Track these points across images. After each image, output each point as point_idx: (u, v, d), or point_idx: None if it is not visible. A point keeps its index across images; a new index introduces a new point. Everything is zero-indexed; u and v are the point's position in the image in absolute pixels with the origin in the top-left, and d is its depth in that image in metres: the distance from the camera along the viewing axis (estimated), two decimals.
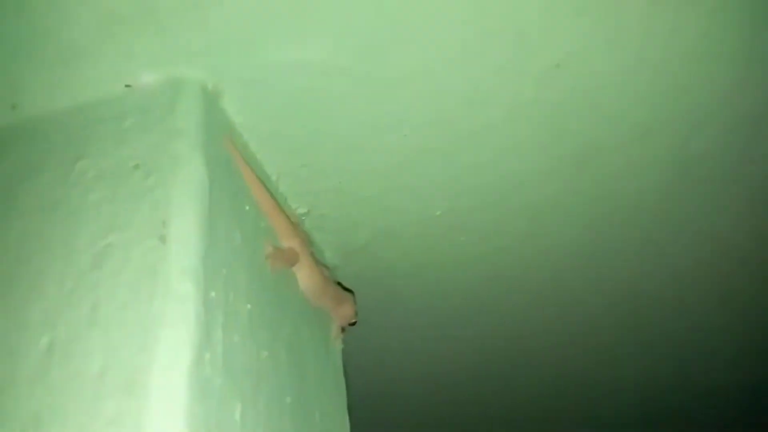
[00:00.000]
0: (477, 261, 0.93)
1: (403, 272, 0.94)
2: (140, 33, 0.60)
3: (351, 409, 0.79)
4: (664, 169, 0.83)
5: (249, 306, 0.59)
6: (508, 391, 1.30)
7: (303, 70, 0.64)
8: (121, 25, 0.59)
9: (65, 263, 0.52)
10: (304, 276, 0.73)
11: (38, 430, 0.44)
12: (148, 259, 0.50)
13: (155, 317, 0.47)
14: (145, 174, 0.56)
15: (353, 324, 0.84)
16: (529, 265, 0.95)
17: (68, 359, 0.47)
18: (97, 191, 0.57)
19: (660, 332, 1.20)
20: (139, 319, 0.47)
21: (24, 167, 0.61)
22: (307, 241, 0.77)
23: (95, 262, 0.52)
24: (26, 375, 0.47)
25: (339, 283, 0.85)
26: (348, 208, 0.82)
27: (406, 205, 0.83)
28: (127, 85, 0.63)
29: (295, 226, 0.74)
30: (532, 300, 1.03)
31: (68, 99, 0.64)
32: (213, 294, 0.52)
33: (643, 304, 1.10)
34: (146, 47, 0.61)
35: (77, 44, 0.60)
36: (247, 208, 0.65)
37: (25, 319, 0.50)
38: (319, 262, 0.77)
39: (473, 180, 0.80)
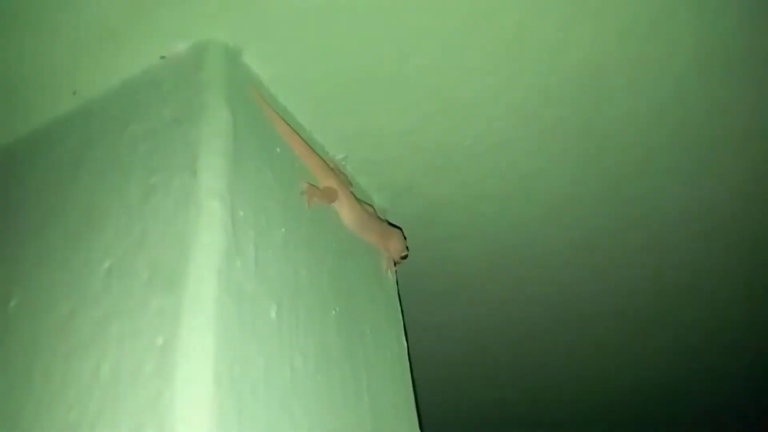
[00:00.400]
0: (523, 186, 0.95)
1: (453, 207, 0.98)
2: (164, 8, 0.68)
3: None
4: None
5: (283, 230, 0.65)
6: (564, 330, 1.30)
7: (314, 13, 0.69)
8: (148, 7, 0.67)
9: (120, 205, 0.61)
10: (346, 213, 0.79)
11: (104, 329, 0.52)
12: (183, 188, 0.58)
13: (189, 231, 0.54)
14: (179, 123, 0.64)
15: (405, 257, 0.88)
16: (580, 180, 0.96)
17: (124, 276, 0.55)
18: (144, 145, 0.65)
19: None
20: (177, 235, 0.54)
21: (86, 141, 0.71)
22: (347, 181, 0.83)
23: (143, 198, 0.60)
24: (93, 293, 0.56)
25: (388, 222, 0.91)
26: (385, 148, 0.87)
27: (441, 137, 0.87)
28: (162, 57, 0.72)
29: (334, 168, 0.80)
30: (589, 220, 1.03)
31: (116, 78, 0.73)
32: (241, 213, 0.59)
33: None
34: (172, 20, 0.69)
35: (116, 28, 0.69)
36: (278, 150, 0.72)
37: (90, 253, 0.59)
38: (362, 201, 0.83)
39: (504, 99, 0.82)
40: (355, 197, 0.81)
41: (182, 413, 0.44)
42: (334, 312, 0.68)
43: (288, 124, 0.74)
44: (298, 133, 0.75)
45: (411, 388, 0.78)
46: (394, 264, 0.89)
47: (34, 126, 0.77)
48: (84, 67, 0.73)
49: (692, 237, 1.09)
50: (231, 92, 0.67)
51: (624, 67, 0.80)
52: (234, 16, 0.70)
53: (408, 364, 0.80)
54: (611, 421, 1.67)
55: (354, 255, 0.80)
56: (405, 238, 0.89)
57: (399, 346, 0.81)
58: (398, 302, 0.86)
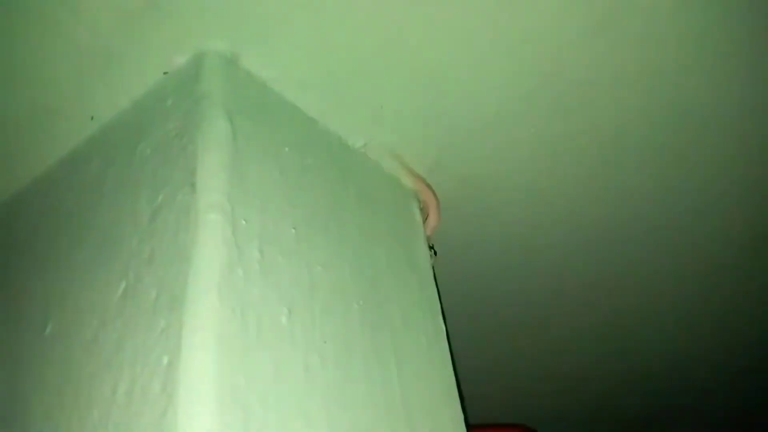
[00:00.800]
0: (554, 154, 0.90)
1: (484, 181, 0.94)
2: (159, 24, 0.69)
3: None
4: None
5: (293, 230, 0.65)
6: (599, 300, 1.24)
7: (307, 7, 0.68)
8: (143, 25, 0.69)
9: (132, 225, 0.63)
10: None
11: (121, 350, 0.54)
12: (184, 204, 0.59)
13: (189, 247, 0.55)
14: (182, 137, 0.65)
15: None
16: (611, 145, 0.90)
17: (136, 296, 0.57)
18: (152, 163, 0.67)
19: None
20: (179, 252, 0.56)
21: (105, 164, 0.74)
22: None
23: (151, 217, 0.62)
24: (111, 315, 0.58)
25: None
26: (404, 129, 0.85)
27: (460, 110, 0.83)
28: (165, 73, 0.73)
29: None
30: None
31: (126, 98, 0.75)
32: (244, 222, 0.59)
33: None
34: (169, 35, 0.70)
35: (118, 50, 0.71)
36: (287, 149, 0.72)
37: (109, 275, 0.62)
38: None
39: (520, 63, 0.78)
40: None
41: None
42: (357, 305, 0.68)
43: None
44: None
45: (452, 373, 0.77)
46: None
47: (60, 155, 0.80)
48: (95, 92, 0.76)
49: None
50: (229, 100, 0.67)
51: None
52: (228, 23, 0.70)
53: (447, 347, 0.79)
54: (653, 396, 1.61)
55: (380, 240, 0.79)
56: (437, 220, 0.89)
57: (435, 329, 0.79)
58: (434, 283, 0.85)
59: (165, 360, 0.50)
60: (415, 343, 0.75)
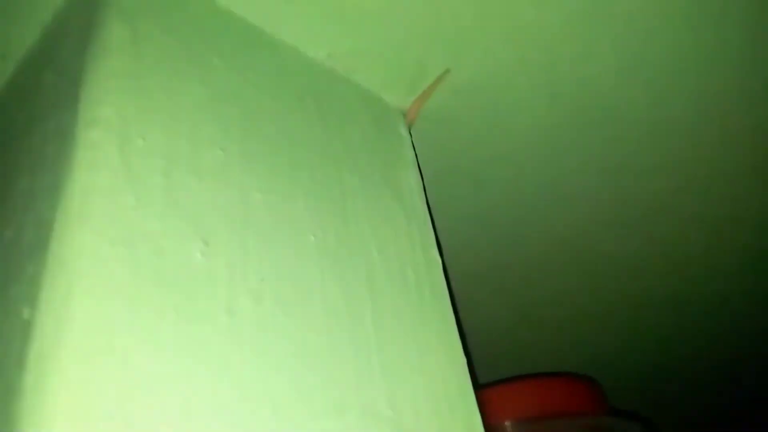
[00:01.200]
0: (559, 57, 0.74)
1: (482, 88, 0.79)
2: None
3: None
4: None
5: (221, 152, 0.53)
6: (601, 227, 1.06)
7: None
8: None
9: (26, 164, 0.53)
10: None
11: None
12: (66, 126, 0.48)
13: (64, 173, 0.44)
14: (77, 53, 0.54)
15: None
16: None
17: (17, 241, 0.46)
18: (52, 89, 0.56)
19: None
20: (56, 182, 0.44)
21: (17, 104, 0.64)
22: None
23: (40, 151, 0.51)
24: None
25: None
26: (373, 29, 0.70)
27: (433, 25, 0.69)
28: None
29: None
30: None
31: (37, 30, 0.64)
32: (141, 140, 0.47)
33: None
34: None
35: None
36: (217, 60, 0.60)
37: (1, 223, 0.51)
38: None
39: None
40: None
41: (26, 407, 0.34)
42: (313, 237, 0.56)
43: None
44: None
45: (451, 315, 0.64)
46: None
47: None
48: (5, 29, 0.65)
49: None
50: (133, 3, 0.55)
51: None
52: None
53: (443, 285, 0.65)
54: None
55: (352, 165, 0.66)
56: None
57: (428, 261, 0.66)
58: (426, 212, 0.71)
59: (25, 314, 0.39)
60: (401, 278, 0.62)
